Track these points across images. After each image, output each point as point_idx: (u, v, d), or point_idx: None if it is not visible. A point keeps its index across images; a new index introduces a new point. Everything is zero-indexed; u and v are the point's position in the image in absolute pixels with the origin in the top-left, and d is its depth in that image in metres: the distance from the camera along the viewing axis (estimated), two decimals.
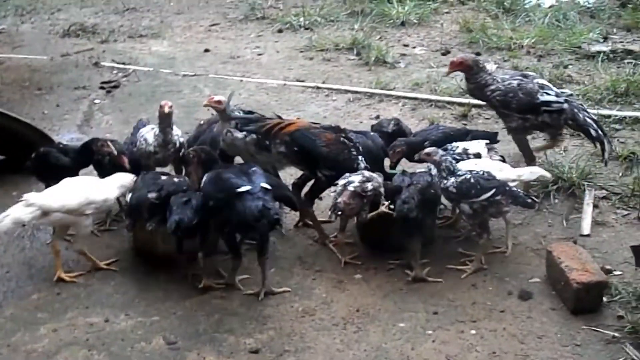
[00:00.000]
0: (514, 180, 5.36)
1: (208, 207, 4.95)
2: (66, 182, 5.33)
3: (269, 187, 4.94)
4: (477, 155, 5.52)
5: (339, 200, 5.17)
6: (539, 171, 5.54)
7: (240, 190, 4.85)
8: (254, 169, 5.12)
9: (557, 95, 5.77)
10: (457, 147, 5.56)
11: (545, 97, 5.73)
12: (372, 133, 5.91)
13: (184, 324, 4.83)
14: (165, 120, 5.70)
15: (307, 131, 5.49)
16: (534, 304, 4.91)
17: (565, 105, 5.74)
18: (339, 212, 5.19)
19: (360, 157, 5.47)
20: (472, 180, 5.09)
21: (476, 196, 5.05)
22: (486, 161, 5.45)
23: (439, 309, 4.91)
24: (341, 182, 5.27)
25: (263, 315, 4.90)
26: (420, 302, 4.97)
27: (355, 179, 5.23)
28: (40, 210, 5.10)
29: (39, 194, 5.24)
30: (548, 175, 5.66)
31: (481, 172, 5.15)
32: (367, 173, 5.31)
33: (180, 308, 4.98)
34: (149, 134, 5.77)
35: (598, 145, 5.88)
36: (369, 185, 5.21)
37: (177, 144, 5.77)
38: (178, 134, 5.82)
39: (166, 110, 5.64)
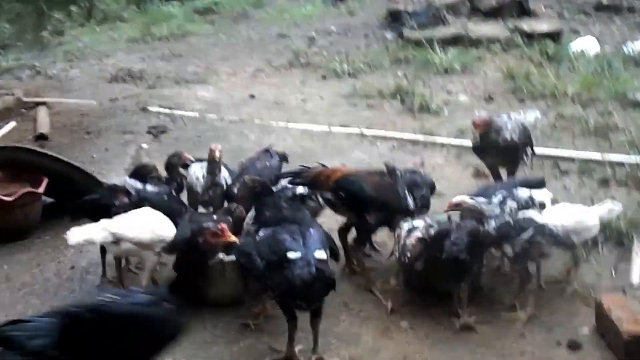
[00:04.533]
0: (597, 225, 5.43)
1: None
2: (141, 212, 5.41)
3: (324, 257, 4.69)
4: (542, 204, 5.52)
5: (407, 242, 5.17)
6: (617, 206, 5.57)
7: (290, 256, 4.60)
8: (311, 229, 4.84)
9: None
10: (523, 194, 5.53)
11: None
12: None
13: None
14: (213, 163, 5.84)
15: (353, 176, 5.53)
16: (583, 355, 4.85)
17: None
18: (408, 254, 5.18)
19: (408, 197, 5.49)
20: (511, 222, 5.12)
21: (516, 236, 5.07)
22: (567, 206, 5.53)
23: (488, 358, 4.86)
24: (405, 225, 5.29)
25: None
26: (468, 352, 4.93)
27: (420, 224, 5.25)
28: (112, 236, 5.22)
29: (114, 221, 5.32)
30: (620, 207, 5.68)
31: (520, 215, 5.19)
32: (428, 219, 5.34)
33: (228, 354, 4.98)
34: (200, 172, 5.94)
35: None
36: (432, 231, 5.23)
37: (225, 186, 5.90)
38: (226, 175, 5.94)
39: (216, 154, 5.76)
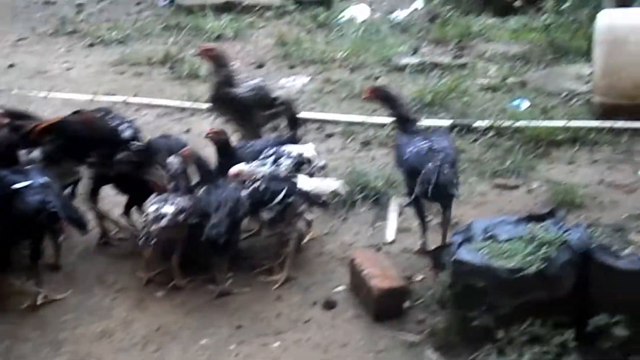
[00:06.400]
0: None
1: None
2: None
3: (48, 184, 4.73)
4: (310, 159, 5.48)
5: (153, 228, 4.95)
6: (335, 184, 5.43)
7: (17, 186, 4.62)
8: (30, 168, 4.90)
9: None
10: (292, 151, 5.44)
11: None
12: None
13: None
14: None
15: (64, 121, 5.36)
16: (338, 312, 4.90)
17: None
18: (153, 240, 4.96)
19: (123, 125, 5.42)
20: (262, 186, 5.07)
21: (270, 201, 5.02)
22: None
23: (243, 322, 4.81)
24: (152, 209, 5.02)
25: (58, 339, 4.65)
26: (224, 317, 4.86)
27: (169, 210, 4.98)
28: None
29: None
30: (342, 191, 5.56)
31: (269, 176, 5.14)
32: (179, 201, 5.05)
33: None
34: None
35: None
36: (182, 217, 5.01)
37: None
38: None
39: None
